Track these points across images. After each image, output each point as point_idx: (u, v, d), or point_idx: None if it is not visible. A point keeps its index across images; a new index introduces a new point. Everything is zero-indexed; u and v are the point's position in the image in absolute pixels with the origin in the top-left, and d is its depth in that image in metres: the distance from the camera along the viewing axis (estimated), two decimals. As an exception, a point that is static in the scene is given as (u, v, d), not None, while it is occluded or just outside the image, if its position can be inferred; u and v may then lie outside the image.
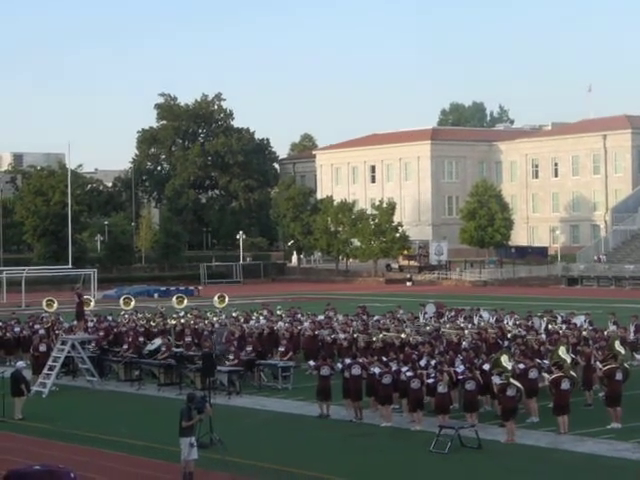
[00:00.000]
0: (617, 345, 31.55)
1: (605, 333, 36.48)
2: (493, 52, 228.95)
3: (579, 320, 40.51)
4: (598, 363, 29.45)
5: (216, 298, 54.85)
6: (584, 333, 36.59)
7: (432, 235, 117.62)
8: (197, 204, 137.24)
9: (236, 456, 23.55)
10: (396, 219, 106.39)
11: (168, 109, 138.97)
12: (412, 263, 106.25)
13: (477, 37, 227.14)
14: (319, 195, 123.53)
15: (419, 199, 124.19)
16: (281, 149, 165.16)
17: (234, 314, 47.46)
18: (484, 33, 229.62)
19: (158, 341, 37.97)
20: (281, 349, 37.15)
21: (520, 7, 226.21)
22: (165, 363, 35.68)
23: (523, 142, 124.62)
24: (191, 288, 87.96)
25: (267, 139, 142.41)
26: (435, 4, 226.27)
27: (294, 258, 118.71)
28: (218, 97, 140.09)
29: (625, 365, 30.06)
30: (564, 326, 38.79)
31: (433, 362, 29.70)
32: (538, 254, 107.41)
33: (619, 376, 27.83)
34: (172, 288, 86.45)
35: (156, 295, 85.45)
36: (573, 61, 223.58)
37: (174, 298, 56.70)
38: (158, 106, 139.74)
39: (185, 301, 55.67)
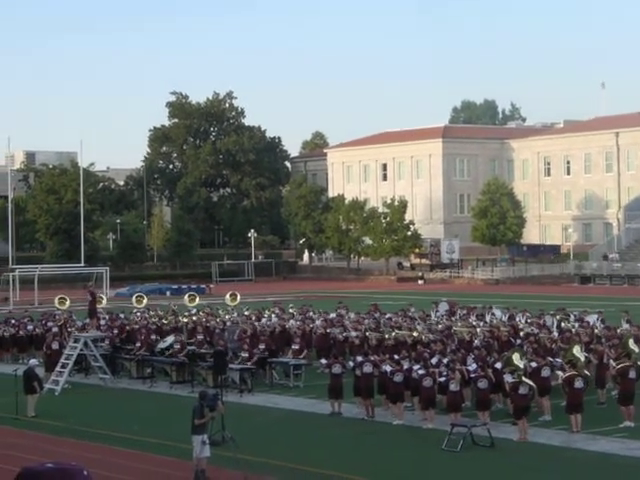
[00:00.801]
0: (630, 343, 31.45)
1: (618, 331, 36.35)
2: (505, 49, 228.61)
3: (592, 318, 40.36)
4: (611, 361, 29.36)
5: (228, 296, 54.92)
6: (597, 331, 36.48)
7: (444, 233, 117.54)
8: (209, 202, 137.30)
9: (248, 454, 23.52)
10: (407, 217, 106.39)
11: (180, 107, 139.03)
12: (424, 261, 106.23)
13: (489, 34, 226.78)
14: (330, 193, 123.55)
15: (431, 197, 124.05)
16: (292, 147, 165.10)
17: (246, 312, 47.50)
18: (496, 30, 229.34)
19: (170, 339, 38.00)
20: (294, 347, 37.16)
21: (532, 3, 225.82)
22: (177, 361, 35.72)
23: (535, 140, 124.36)
24: (203, 286, 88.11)
25: (278, 137, 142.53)
26: (445, 1, 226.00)
27: (305, 256, 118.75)
28: (229, 95, 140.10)
29: (638, 363, 29.94)
30: (577, 324, 38.67)
31: (445, 360, 29.64)
32: (550, 252, 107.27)
33: (632, 374, 27.76)
34: (184, 286, 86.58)
35: (168, 293, 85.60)
36: (585, 58, 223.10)
37: (186, 296, 56.82)
38: (170, 104, 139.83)
39: (197, 299, 55.75)
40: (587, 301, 63.10)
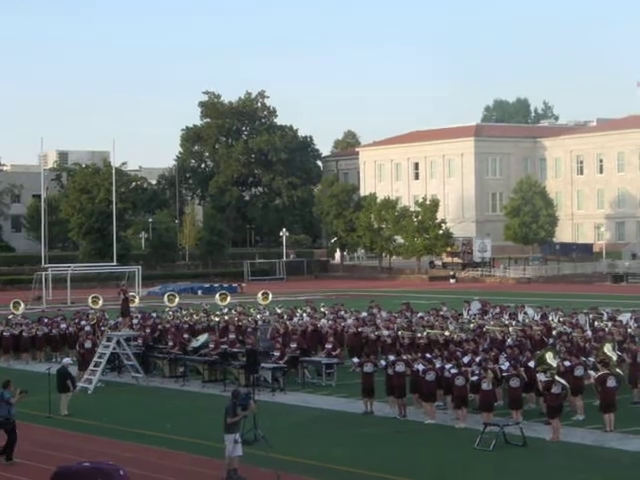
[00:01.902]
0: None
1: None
2: (538, 48, 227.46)
3: (625, 317, 40.19)
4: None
5: (260, 295, 55.00)
6: (630, 330, 36.29)
7: (476, 232, 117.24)
8: (240, 201, 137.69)
9: (280, 453, 23.60)
10: (439, 216, 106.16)
11: (212, 107, 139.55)
12: (456, 260, 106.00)
13: (521, 33, 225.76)
14: (362, 192, 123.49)
15: (462, 196, 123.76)
16: (324, 146, 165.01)
17: (278, 310, 47.58)
18: (528, 28, 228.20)
19: (203, 337, 38.13)
20: (328, 346, 37.17)
21: (565, 2, 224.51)
22: (210, 360, 35.83)
23: (567, 138, 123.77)
24: (234, 285, 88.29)
25: (310, 137, 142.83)
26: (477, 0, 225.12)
27: (337, 255, 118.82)
28: (261, 95, 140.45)
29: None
30: (610, 323, 38.51)
31: (477, 359, 29.59)
32: (583, 251, 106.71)
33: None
34: (216, 285, 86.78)
35: (200, 292, 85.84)
36: (619, 56, 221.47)
37: (217, 295, 56.89)
38: (202, 104, 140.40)
39: (228, 298, 55.85)
40: (620, 300, 62.73)
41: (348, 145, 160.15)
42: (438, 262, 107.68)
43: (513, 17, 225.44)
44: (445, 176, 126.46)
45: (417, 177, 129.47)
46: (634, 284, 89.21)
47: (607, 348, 30.75)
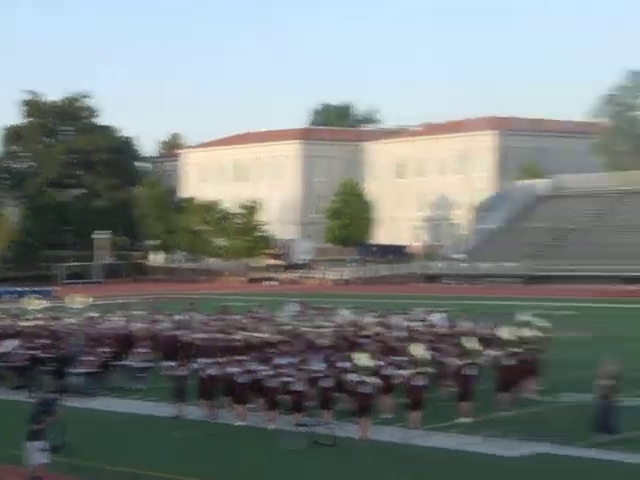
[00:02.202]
0: (470, 341, 32.08)
1: (459, 329, 37.13)
2: (365, 52, 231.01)
3: (435, 317, 41.14)
4: (452, 359, 29.90)
5: (72, 299, 53.92)
6: (440, 330, 37.15)
7: (300, 234, 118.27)
8: (59, 203, 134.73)
9: (87, 459, 23.07)
10: (265, 218, 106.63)
11: (34, 106, 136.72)
12: (278, 262, 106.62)
13: (350, 38, 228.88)
14: (186, 194, 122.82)
15: (288, 198, 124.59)
16: (151, 148, 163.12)
17: (91, 315, 46.67)
18: (355, 34, 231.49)
19: (10, 343, 37.01)
20: (140, 350, 36.68)
21: (389, 5, 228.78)
22: (18, 365, 34.79)
23: (390, 142, 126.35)
24: (48, 289, 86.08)
25: (133, 137, 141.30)
26: (308, 4, 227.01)
27: (154, 257, 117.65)
28: (85, 95, 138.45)
29: (478, 361, 30.53)
30: (421, 323, 39.33)
31: (292, 360, 29.67)
32: (399, 252, 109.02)
33: (471, 372, 28.31)
34: (27, 289, 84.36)
35: (8, 296, 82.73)
36: (447, 61, 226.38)
37: (29, 299, 55.48)
38: (25, 103, 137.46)
39: (40, 302, 54.45)
40: (433, 300, 64.24)
41: (174, 147, 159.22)
42: (261, 264, 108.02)
43: (342, 22, 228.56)
44: (271, 178, 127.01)
45: (242, 179, 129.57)
46: (447, 284, 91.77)
47: (418, 348, 31.34)
